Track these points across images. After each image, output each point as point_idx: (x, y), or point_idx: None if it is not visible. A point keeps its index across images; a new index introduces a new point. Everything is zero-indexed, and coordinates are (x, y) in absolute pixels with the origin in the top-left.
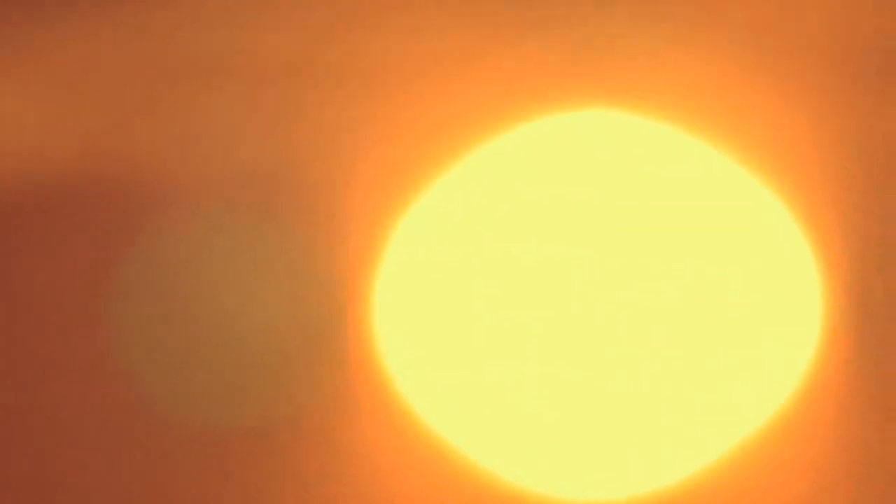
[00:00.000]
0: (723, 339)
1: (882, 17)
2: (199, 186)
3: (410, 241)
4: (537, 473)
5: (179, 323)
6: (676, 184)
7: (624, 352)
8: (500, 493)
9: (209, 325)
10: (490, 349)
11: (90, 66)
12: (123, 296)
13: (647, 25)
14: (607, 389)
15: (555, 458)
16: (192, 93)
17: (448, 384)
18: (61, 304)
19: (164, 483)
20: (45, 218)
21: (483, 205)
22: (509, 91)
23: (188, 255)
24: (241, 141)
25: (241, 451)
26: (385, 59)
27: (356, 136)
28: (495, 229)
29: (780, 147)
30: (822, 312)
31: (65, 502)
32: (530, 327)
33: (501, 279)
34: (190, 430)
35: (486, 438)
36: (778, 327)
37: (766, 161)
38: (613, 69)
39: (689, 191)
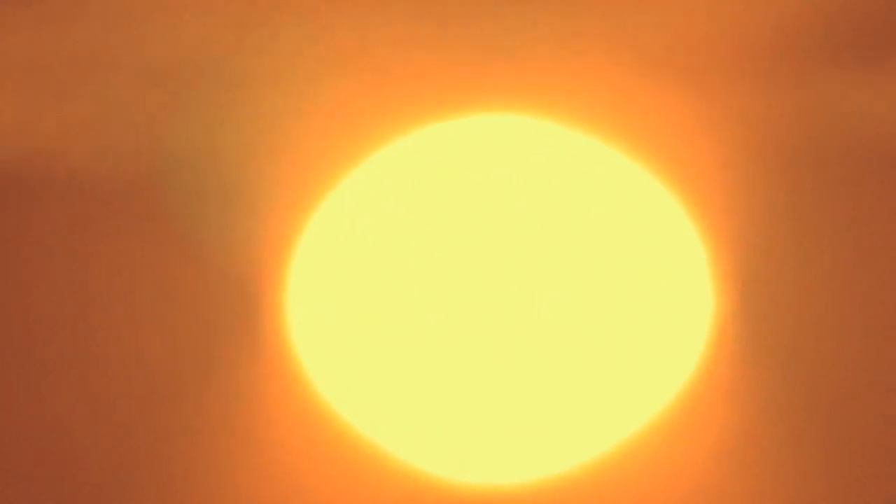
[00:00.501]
0: (617, 333)
1: (767, 18)
2: (109, 175)
3: (323, 234)
4: (446, 459)
5: None
6: (573, 182)
7: (522, 341)
8: (408, 478)
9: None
10: (399, 340)
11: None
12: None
13: (543, 29)
14: (509, 379)
15: (460, 445)
16: (108, 86)
17: (360, 375)
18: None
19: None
20: None
21: (392, 201)
22: (413, 93)
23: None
24: (159, 134)
25: (156, 448)
26: (297, 58)
27: (269, 133)
28: (403, 225)
29: (674, 145)
30: (712, 308)
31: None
32: (436, 318)
33: (411, 272)
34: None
35: (396, 426)
36: (669, 320)
37: (661, 159)
38: (510, 72)
39: (584, 189)
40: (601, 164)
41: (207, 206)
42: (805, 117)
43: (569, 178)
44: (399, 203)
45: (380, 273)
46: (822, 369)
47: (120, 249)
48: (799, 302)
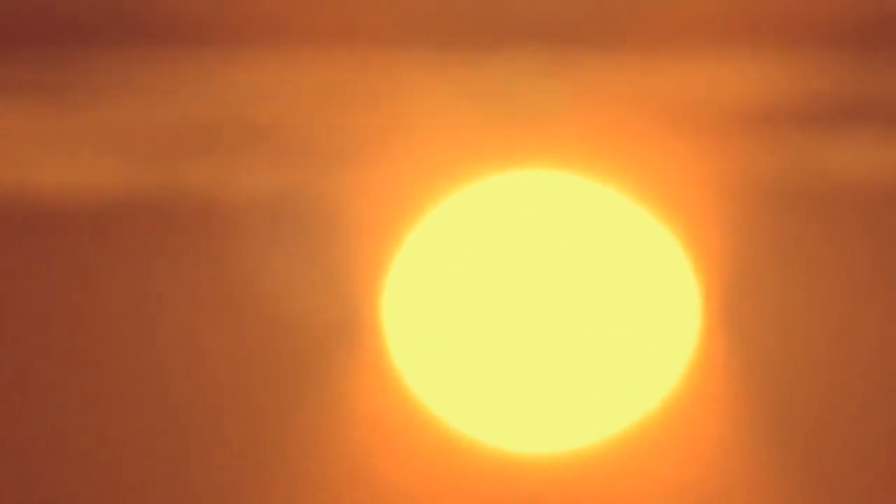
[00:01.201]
0: (626, 339)
1: (761, 87)
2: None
3: (411, 259)
4: (504, 434)
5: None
6: (590, 220)
7: (554, 343)
8: (474, 451)
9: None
10: (468, 342)
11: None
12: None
13: (557, 92)
14: (546, 370)
15: (512, 423)
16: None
17: (444, 374)
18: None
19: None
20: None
21: (459, 234)
22: (466, 152)
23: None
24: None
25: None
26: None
27: (358, 178)
28: (467, 253)
29: (677, 188)
30: (699, 318)
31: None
32: (492, 325)
33: (473, 289)
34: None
35: (467, 410)
36: (665, 327)
37: (664, 200)
38: (532, 131)
39: (596, 224)
40: (615, 206)
41: (317, 231)
42: (787, 167)
43: (587, 218)
44: (464, 235)
45: (452, 289)
46: (798, 381)
47: (240, 270)
48: (777, 321)
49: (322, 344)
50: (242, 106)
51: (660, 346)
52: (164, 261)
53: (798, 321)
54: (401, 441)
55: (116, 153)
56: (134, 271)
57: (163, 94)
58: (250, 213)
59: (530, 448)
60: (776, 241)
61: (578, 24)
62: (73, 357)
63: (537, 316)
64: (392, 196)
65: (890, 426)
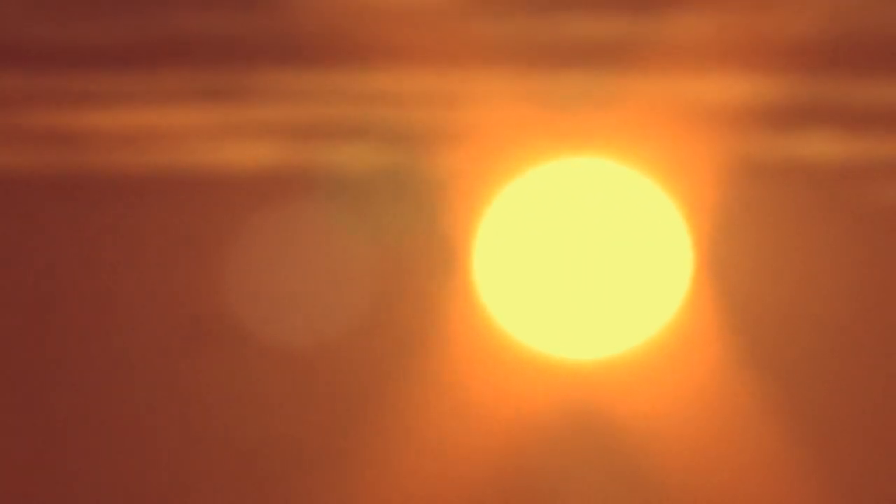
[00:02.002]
0: (639, 277)
1: (743, 91)
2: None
3: (496, 219)
4: (562, 344)
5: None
6: (617, 193)
7: (592, 281)
8: (539, 361)
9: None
10: (536, 280)
11: None
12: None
13: (595, 94)
14: (588, 296)
15: (568, 336)
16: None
17: (518, 303)
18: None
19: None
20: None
21: (527, 205)
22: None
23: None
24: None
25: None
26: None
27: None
28: (533, 218)
29: (689, 172)
30: (690, 272)
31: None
32: (553, 267)
33: (539, 242)
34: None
35: (536, 329)
36: (666, 272)
37: (668, 177)
38: (575, 125)
39: (624, 197)
40: (638, 184)
41: (427, 199)
42: (765, 153)
43: (618, 192)
44: (531, 203)
45: (524, 242)
46: (768, 326)
47: (369, 226)
48: (755, 278)
49: (430, 281)
50: (368, 104)
51: (664, 285)
52: (311, 219)
53: (770, 269)
54: (485, 353)
55: (272, 139)
56: (285, 228)
57: (304, 95)
58: (377, 182)
59: (577, 355)
60: (754, 209)
61: (615, 46)
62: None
63: (583, 261)
64: (481, 172)
65: (847, 358)
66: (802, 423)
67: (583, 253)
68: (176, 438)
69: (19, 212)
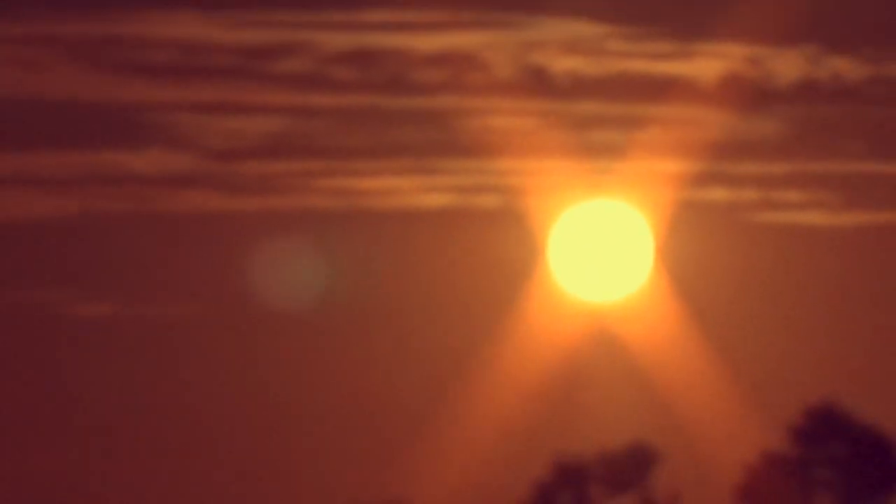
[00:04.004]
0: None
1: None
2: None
3: (567, 234)
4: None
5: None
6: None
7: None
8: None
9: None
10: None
11: None
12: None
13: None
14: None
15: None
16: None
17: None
18: None
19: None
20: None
21: (580, 218)
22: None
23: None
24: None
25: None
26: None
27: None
28: (583, 229)
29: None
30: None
31: None
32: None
33: (585, 246)
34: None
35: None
36: (631, 258)
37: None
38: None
39: (620, 213)
40: (627, 210)
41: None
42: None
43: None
44: (581, 217)
45: (571, 244)
46: (708, 286)
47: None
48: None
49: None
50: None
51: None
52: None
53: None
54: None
55: None
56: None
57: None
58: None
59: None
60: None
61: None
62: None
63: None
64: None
65: (758, 310)
66: (727, 349)
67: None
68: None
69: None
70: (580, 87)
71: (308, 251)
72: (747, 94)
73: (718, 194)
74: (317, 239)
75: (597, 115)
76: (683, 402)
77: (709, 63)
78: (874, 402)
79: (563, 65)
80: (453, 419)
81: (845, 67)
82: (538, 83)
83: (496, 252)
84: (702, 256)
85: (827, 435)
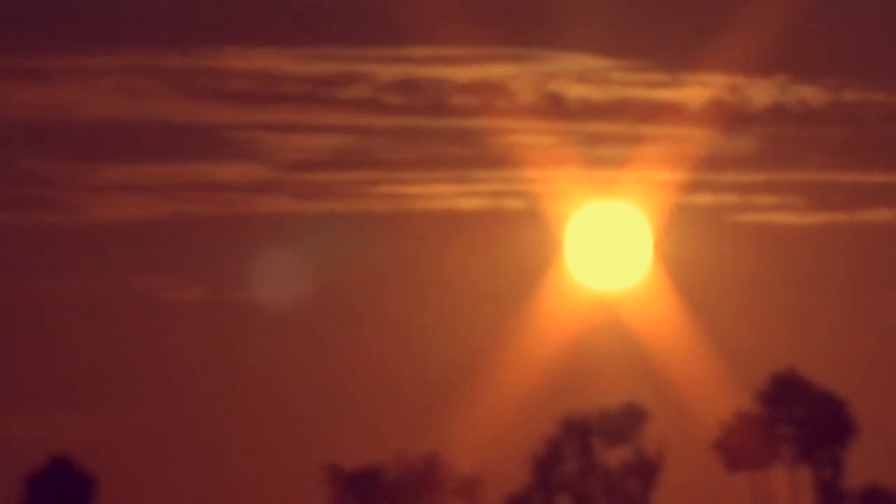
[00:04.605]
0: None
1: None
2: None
3: (579, 232)
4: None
5: None
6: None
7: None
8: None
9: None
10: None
11: None
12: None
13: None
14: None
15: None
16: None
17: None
18: None
19: None
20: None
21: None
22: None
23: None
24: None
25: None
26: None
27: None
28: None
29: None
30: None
31: None
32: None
33: (590, 241)
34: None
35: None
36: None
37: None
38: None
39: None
40: (629, 212)
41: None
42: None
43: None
44: (589, 219)
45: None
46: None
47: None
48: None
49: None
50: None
51: (634, 259)
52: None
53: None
54: (572, 305)
55: None
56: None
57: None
58: (507, 203)
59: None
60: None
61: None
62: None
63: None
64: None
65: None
66: (710, 328)
67: (609, 243)
68: None
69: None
70: (589, 111)
71: (364, 245)
72: (728, 116)
73: (705, 199)
74: (372, 235)
75: (603, 134)
76: (672, 371)
77: (696, 90)
78: (829, 371)
79: (576, 92)
80: (483, 385)
81: (809, 94)
82: (555, 107)
83: (521, 246)
84: (692, 251)
85: (789, 398)
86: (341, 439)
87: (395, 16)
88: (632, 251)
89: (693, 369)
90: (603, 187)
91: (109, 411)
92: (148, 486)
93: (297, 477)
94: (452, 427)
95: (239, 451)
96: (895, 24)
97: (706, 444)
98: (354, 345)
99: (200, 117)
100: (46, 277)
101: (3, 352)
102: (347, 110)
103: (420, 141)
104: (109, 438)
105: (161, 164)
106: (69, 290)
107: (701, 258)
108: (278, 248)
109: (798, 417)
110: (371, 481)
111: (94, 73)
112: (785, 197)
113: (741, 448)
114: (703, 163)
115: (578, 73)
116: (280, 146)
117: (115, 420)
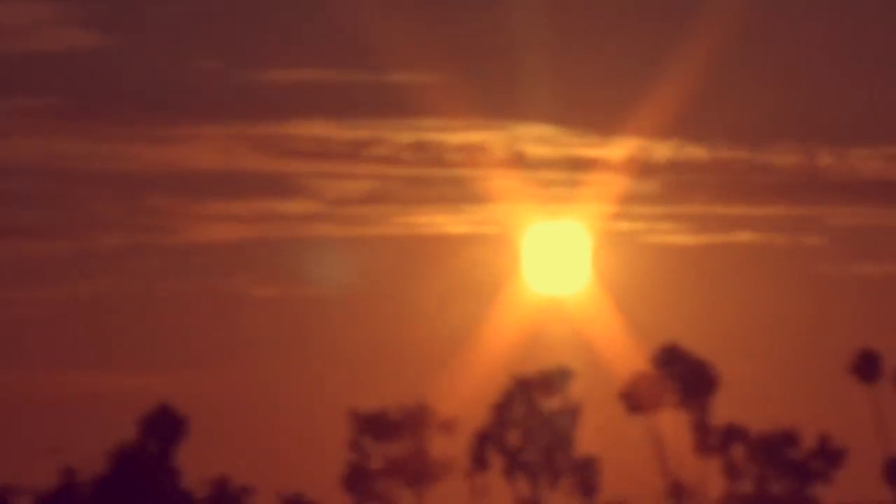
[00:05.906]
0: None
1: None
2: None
3: (534, 240)
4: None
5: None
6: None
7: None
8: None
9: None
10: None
11: None
12: None
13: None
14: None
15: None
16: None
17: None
18: None
19: None
20: None
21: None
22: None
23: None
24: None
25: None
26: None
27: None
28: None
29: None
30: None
31: None
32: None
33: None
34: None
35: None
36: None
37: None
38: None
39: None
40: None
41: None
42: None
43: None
44: (545, 232)
45: (535, 251)
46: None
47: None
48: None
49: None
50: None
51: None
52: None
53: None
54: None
55: None
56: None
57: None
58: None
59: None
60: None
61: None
62: None
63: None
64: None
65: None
66: (630, 319)
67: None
68: None
69: None
70: (543, 163)
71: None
72: (639, 167)
73: (625, 226)
74: (390, 252)
75: (553, 179)
76: (593, 343)
77: (617, 148)
78: (700, 344)
79: (534, 150)
80: (462, 355)
81: (697, 153)
82: (519, 161)
83: (492, 260)
84: (617, 264)
85: (673, 362)
86: (360, 391)
87: (406, 94)
88: (575, 264)
89: (608, 342)
90: (553, 217)
91: (200, 373)
92: (228, 428)
93: (324, 418)
94: (438, 383)
95: (288, 401)
96: (763, 100)
97: (614, 395)
98: (376, 324)
99: (274, 168)
100: (163, 280)
101: (130, 332)
102: (375, 163)
103: (425, 185)
104: (199, 392)
105: (245, 200)
106: (180, 289)
107: (625, 270)
108: (326, 261)
109: (679, 375)
110: (380, 421)
111: (201, 137)
112: (678, 224)
113: (639, 397)
114: (621, 199)
115: (536, 138)
116: (328, 188)
117: (203, 380)
